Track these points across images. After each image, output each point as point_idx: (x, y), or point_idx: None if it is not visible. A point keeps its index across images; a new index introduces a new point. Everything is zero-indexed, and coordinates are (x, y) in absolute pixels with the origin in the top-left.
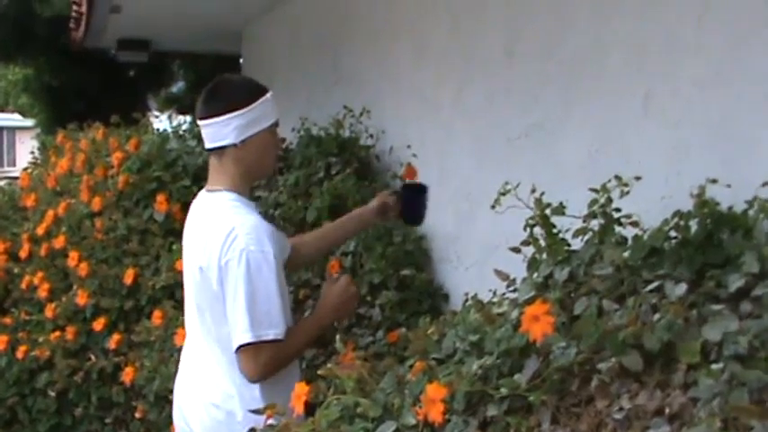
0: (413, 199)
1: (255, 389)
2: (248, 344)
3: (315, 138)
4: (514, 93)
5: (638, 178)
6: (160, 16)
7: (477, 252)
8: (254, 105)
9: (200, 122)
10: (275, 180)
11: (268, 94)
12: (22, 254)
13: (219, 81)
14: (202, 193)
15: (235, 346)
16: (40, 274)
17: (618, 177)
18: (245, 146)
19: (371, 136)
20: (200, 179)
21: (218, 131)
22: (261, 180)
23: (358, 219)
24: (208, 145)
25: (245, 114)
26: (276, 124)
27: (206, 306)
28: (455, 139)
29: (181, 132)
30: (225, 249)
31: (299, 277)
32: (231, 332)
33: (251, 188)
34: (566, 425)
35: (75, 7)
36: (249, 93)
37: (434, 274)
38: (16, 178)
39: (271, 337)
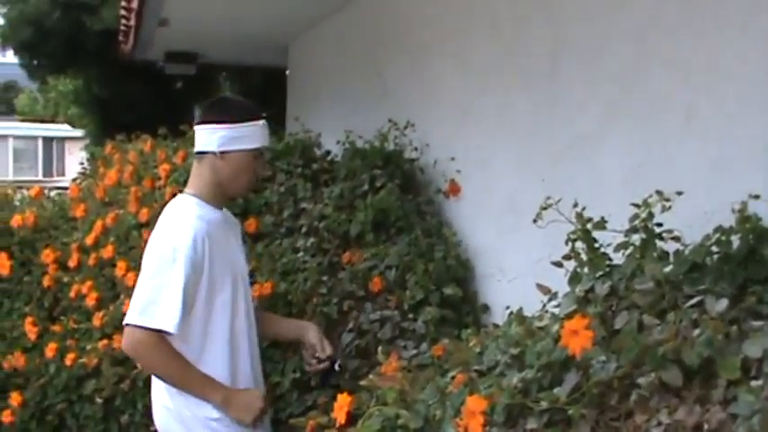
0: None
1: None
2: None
3: (360, 150)
4: (558, 106)
5: (679, 193)
6: (207, 29)
7: (520, 265)
8: (241, 124)
9: (195, 128)
10: (320, 192)
11: (260, 121)
12: (72, 263)
13: (221, 96)
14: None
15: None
16: (88, 284)
17: (659, 192)
18: (224, 158)
19: (416, 149)
20: None
21: (205, 138)
22: (233, 197)
23: (295, 334)
24: (195, 149)
25: (231, 129)
26: (260, 151)
27: None
28: (498, 152)
29: None
30: (154, 240)
31: (343, 289)
32: None
33: (222, 199)
34: None
35: (123, 21)
36: (241, 112)
37: (477, 287)
38: (65, 188)
39: (146, 325)
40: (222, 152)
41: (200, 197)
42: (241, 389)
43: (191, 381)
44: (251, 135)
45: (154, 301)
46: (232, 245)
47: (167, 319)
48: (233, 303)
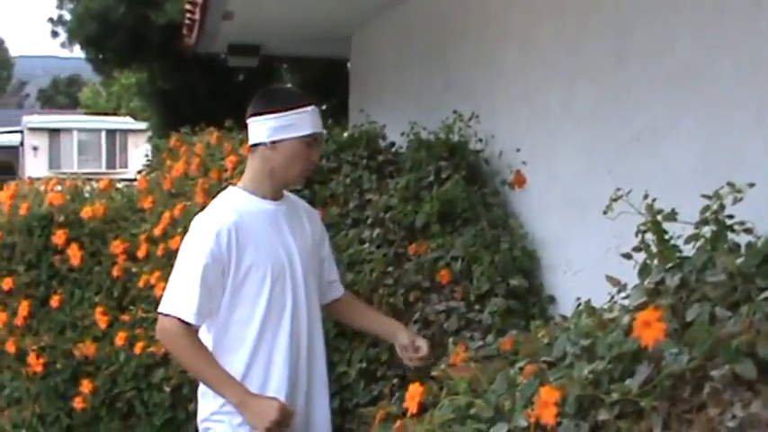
0: None
1: None
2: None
3: (424, 142)
4: (624, 98)
5: (751, 185)
6: (270, 22)
7: (586, 256)
8: (289, 112)
9: (247, 122)
10: (386, 183)
11: (309, 107)
12: (140, 254)
13: (267, 88)
14: None
15: None
16: (156, 274)
17: (731, 184)
18: (275, 148)
19: (480, 140)
20: (311, 182)
21: (255, 130)
22: (288, 186)
23: (390, 334)
24: (249, 143)
25: (279, 118)
26: (314, 137)
27: None
28: (564, 144)
29: None
30: (189, 231)
31: (409, 280)
32: None
33: (275, 189)
34: (677, 431)
35: (188, 14)
36: (288, 100)
37: (542, 278)
38: (129, 180)
39: (172, 314)
40: (273, 142)
41: (247, 188)
42: (261, 395)
43: (211, 376)
44: (301, 122)
45: (177, 290)
46: (281, 235)
47: (185, 309)
48: (270, 296)
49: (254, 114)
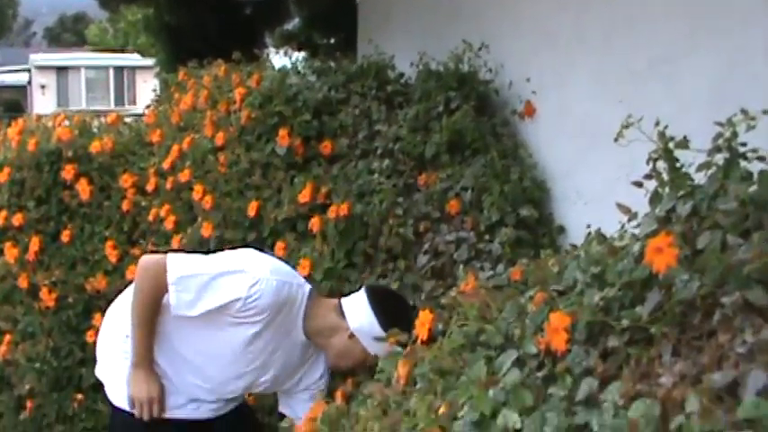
0: None
1: None
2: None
3: (434, 72)
4: (637, 23)
5: (765, 112)
6: None
7: (596, 186)
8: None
9: (362, 293)
10: (395, 114)
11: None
12: (149, 187)
13: (408, 308)
14: None
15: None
16: (166, 207)
17: (744, 111)
18: (351, 336)
19: (490, 70)
20: (319, 113)
21: (358, 310)
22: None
23: None
24: (346, 302)
25: (375, 328)
26: (373, 358)
27: None
28: (574, 73)
29: (300, 69)
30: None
31: (419, 210)
32: None
33: (314, 338)
34: (687, 357)
35: None
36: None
37: (552, 208)
38: (138, 115)
39: (169, 264)
40: (352, 334)
41: (306, 314)
42: (156, 374)
43: (143, 332)
44: (382, 345)
45: (193, 263)
46: (279, 344)
47: (178, 269)
48: (219, 348)
49: (375, 306)
